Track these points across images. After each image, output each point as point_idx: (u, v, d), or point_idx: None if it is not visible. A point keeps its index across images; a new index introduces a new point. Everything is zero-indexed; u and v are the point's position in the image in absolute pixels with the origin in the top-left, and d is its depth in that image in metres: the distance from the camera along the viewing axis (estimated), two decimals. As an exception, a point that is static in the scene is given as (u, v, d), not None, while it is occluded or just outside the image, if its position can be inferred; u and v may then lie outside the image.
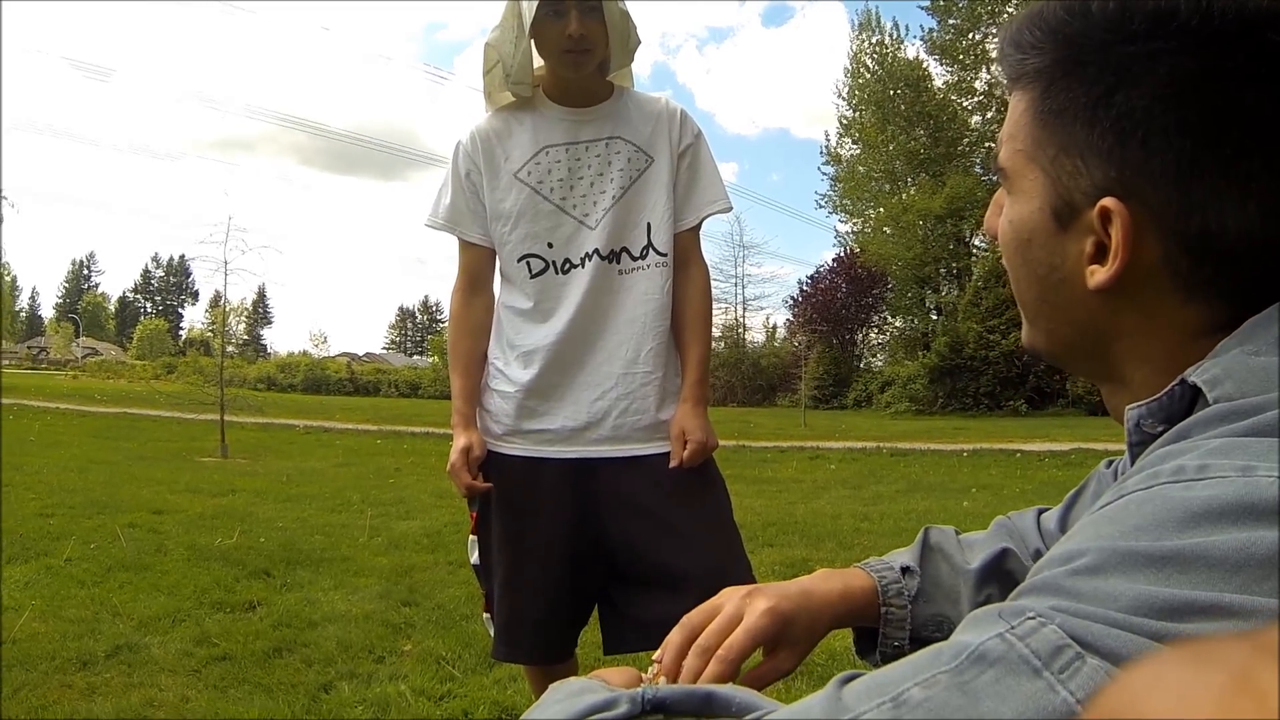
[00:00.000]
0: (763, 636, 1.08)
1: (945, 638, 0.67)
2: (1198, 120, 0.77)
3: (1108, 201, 0.79)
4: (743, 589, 1.13)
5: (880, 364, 45.76)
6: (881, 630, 1.18)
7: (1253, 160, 0.76)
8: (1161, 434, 0.77)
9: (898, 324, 46.58)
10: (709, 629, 1.08)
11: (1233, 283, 0.79)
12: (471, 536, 2.71)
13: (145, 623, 4.75)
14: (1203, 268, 0.79)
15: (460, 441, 2.59)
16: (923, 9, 40.02)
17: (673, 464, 2.53)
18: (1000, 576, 1.19)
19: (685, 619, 1.11)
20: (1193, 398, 0.77)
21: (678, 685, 0.96)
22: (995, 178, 0.95)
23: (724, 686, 0.84)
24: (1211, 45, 0.76)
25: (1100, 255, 0.82)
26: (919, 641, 1.16)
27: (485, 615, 2.72)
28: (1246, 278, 0.79)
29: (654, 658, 1.10)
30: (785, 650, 1.12)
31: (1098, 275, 0.82)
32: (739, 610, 1.09)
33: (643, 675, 1.06)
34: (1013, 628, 0.61)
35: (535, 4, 2.38)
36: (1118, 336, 0.86)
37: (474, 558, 2.71)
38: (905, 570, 1.20)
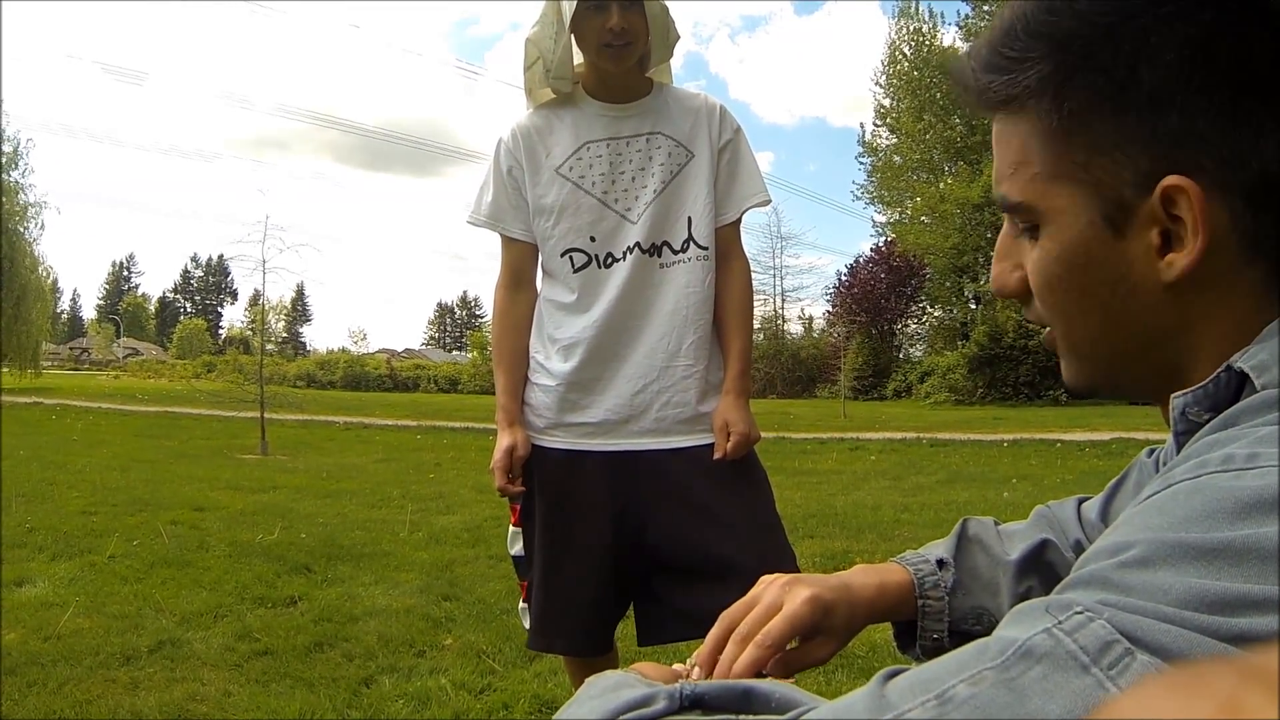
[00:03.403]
0: (802, 624, 1.06)
1: (985, 630, 0.65)
2: (1229, 65, 0.74)
3: (1171, 180, 0.75)
4: (782, 578, 1.11)
5: (919, 354, 45.51)
6: (920, 624, 1.16)
7: None
8: (1208, 422, 0.75)
9: (936, 314, 46.32)
10: (748, 618, 1.07)
11: None
12: (513, 528, 2.72)
13: (187, 618, 4.80)
14: (1267, 216, 0.75)
15: (504, 441, 2.60)
16: (958, -4, 39.84)
17: (716, 456, 2.53)
18: (1040, 568, 1.18)
19: (725, 613, 1.09)
20: (1240, 384, 0.74)
21: (715, 680, 0.94)
22: (1003, 220, 0.90)
23: (763, 682, 0.82)
24: None
25: (1167, 244, 0.78)
26: (958, 634, 1.14)
27: (522, 605, 2.73)
28: None
29: (693, 656, 1.09)
30: (821, 639, 1.10)
31: (1177, 263, 0.77)
32: (778, 598, 1.08)
33: (681, 670, 1.04)
34: (1060, 622, 0.59)
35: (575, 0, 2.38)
36: (1190, 327, 0.80)
37: (515, 549, 2.72)
38: (940, 563, 1.18)
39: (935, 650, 1.14)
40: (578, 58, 2.57)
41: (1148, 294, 0.80)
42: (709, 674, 1.04)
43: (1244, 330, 0.77)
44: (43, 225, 39.29)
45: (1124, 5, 0.75)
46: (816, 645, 1.10)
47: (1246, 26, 0.74)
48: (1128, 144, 0.77)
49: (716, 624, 1.09)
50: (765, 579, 1.13)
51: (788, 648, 1.07)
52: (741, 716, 0.78)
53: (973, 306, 42.92)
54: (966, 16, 39.68)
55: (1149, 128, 0.76)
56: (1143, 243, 0.79)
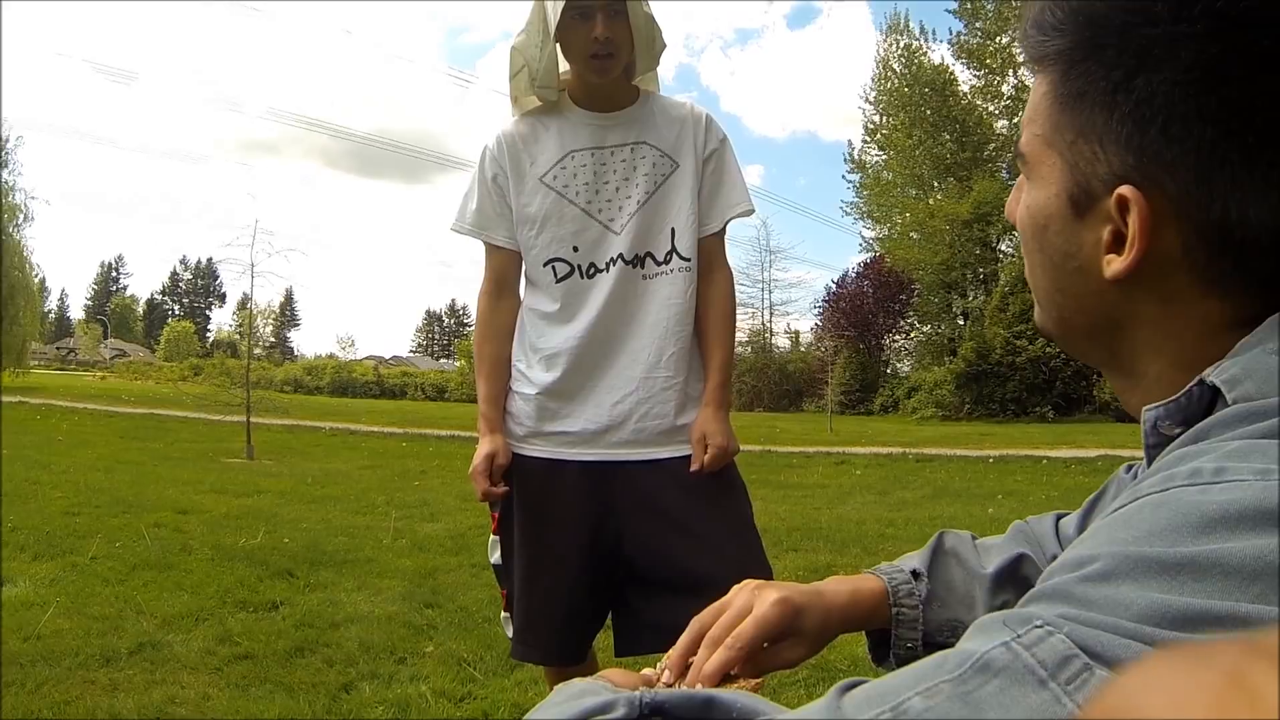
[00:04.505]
0: (772, 626, 1.06)
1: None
2: (1221, 107, 0.74)
3: (1125, 190, 0.77)
4: (753, 583, 1.12)
5: (907, 369, 45.53)
6: (894, 632, 1.16)
7: (1277, 149, 0.74)
8: (1179, 435, 0.75)
9: (924, 329, 46.37)
10: (719, 622, 1.07)
11: (1254, 276, 0.77)
12: (493, 536, 2.71)
13: (168, 621, 4.78)
14: (1223, 259, 0.76)
15: (485, 447, 2.60)
16: (949, 12, 39.96)
17: (693, 468, 2.53)
18: (1016, 582, 1.17)
19: (696, 617, 1.10)
20: (1211, 398, 0.74)
21: (677, 689, 0.94)
22: (1016, 164, 0.94)
23: (726, 691, 0.83)
24: (1237, 29, 0.73)
25: (1118, 244, 0.80)
26: (933, 646, 1.14)
27: (504, 615, 2.73)
28: (1268, 271, 0.76)
29: (663, 661, 1.09)
30: (793, 643, 1.10)
31: (1114, 265, 0.80)
32: (748, 602, 1.08)
33: (651, 675, 1.05)
34: (1019, 636, 0.59)
35: (561, 7, 2.38)
36: (1132, 328, 0.84)
37: (494, 558, 2.72)
38: (915, 574, 1.18)
39: (909, 660, 1.13)
40: (563, 66, 2.57)
41: (1093, 279, 0.83)
42: (678, 677, 1.04)
43: (1190, 355, 0.79)
44: (31, 218, 39.15)
45: (1147, 8, 0.76)
46: (787, 647, 1.10)
47: (1254, 72, 0.73)
48: (1108, 140, 0.79)
49: (688, 628, 1.09)
50: (737, 585, 1.13)
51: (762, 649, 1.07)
52: None
53: (961, 322, 43.06)
54: (959, 33, 39.84)
55: (1129, 133, 0.77)
56: (1096, 233, 0.82)
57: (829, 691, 0.67)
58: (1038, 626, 0.59)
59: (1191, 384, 0.76)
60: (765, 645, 1.08)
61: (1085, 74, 0.80)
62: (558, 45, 2.50)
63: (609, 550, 2.56)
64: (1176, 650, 0.40)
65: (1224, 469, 0.63)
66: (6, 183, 36.75)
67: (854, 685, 0.67)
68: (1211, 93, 0.74)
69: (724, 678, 1.01)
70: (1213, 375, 0.74)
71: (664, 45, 2.60)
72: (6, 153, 36.57)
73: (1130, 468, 1.15)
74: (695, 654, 1.06)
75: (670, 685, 1.01)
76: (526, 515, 2.61)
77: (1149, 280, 0.79)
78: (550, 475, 2.59)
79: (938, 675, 0.60)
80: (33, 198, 38.79)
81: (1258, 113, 0.74)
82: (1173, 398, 0.78)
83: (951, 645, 0.66)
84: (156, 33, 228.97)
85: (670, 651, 1.08)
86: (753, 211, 2.69)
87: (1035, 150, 0.87)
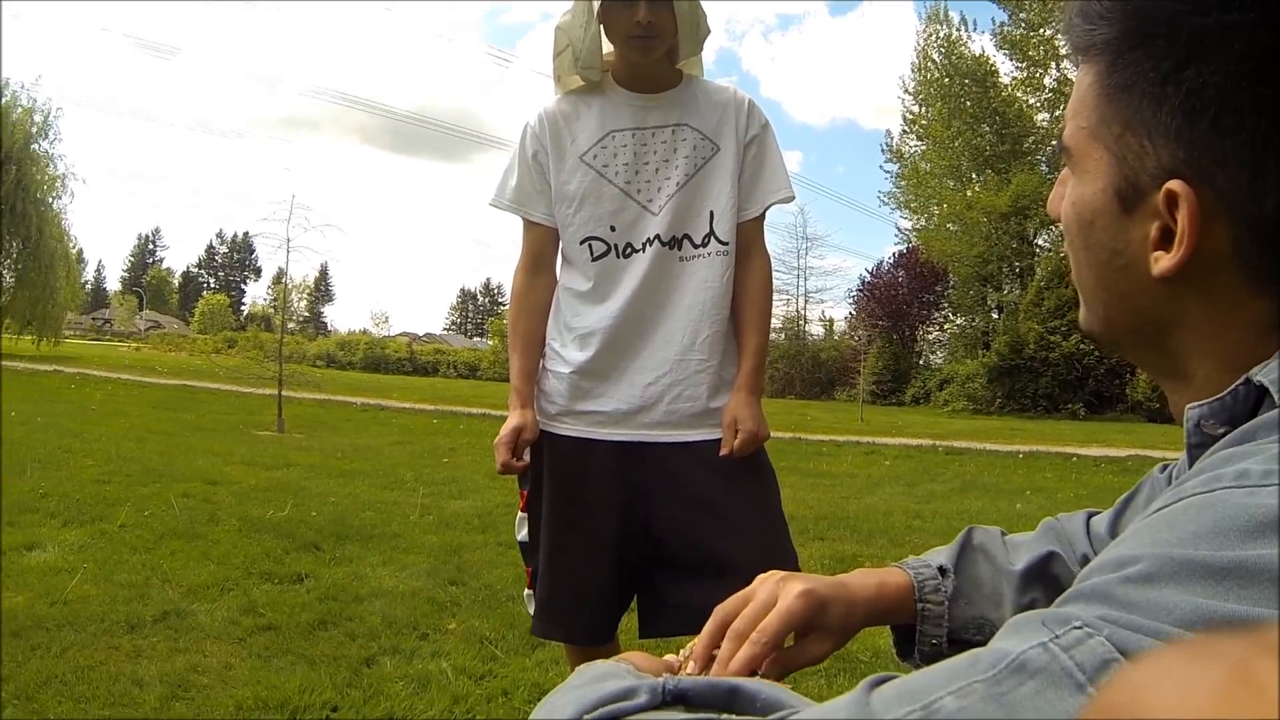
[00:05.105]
0: (796, 619, 1.04)
1: (985, 641, 0.63)
2: (1274, 99, 0.72)
3: (1174, 184, 0.75)
4: (777, 574, 1.10)
5: (939, 361, 45.46)
6: (919, 628, 1.15)
7: None
8: (1223, 436, 0.73)
9: (958, 322, 46.23)
10: (743, 614, 1.05)
11: None
12: (520, 513, 2.72)
13: (194, 590, 4.82)
14: (1274, 256, 0.74)
15: (514, 420, 2.60)
16: (993, 1, 39.63)
17: (723, 452, 2.53)
18: (1045, 580, 1.16)
19: (719, 607, 1.08)
20: (1258, 398, 0.73)
21: (701, 677, 0.93)
22: (1059, 158, 0.91)
23: (751, 681, 0.81)
24: None
25: (1166, 241, 0.77)
26: (959, 644, 1.13)
27: (528, 592, 2.73)
28: None
29: (686, 647, 1.08)
30: (818, 636, 1.08)
31: (1162, 262, 0.77)
32: (773, 595, 1.06)
33: (674, 661, 1.03)
34: (1057, 637, 0.57)
35: None
36: (1180, 327, 0.81)
37: (521, 534, 2.72)
38: (942, 570, 1.17)
39: (934, 657, 1.12)
40: (606, 48, 2.57)
41: (1140, 278, 0.81)
42: (703, 669, 1.03)
43: (1239, 356, 0.76)
44: (72, 194, 39.50)
45: (1199, 0, 0.74)
46: (812, 642, 1.08)
47: None
48: (1157, 134, 0.77)
49: (710, 618, 1.07)
50: (761, 576, 1.12)
51: (785, 646, 1.06)
52: (724, 715, 0.76)
53: (995, 316, 42.86)
54: (1002, 24, 39.50)
55: (1179, 126, 0.75)
56: (1144, 230, 0.80)
57: (858, 686, 0.65)
58: (1077, 628, 0.57)
59: (1238, 383, 0.74)
60: (790, 640, 1.07)
61: (1133, 64, 0.78)
62: (601, 26, 2.50)
63: (638, 531, 2.56)
64: (1183, 644, 0.40)
65: (1273, 471, 0.61)
66: (45, 153, 36.96)
67: (883, 680, 0.65)
68: (1265, 84, 0.72)
69: (749, 673, 1.00)
70: (1259, 375, 0.72)
71: (708, 31, 2.60)
72: (42, 122, 36.74)
73: (1165, 467, 1.14)
74: (719, 646, 1.04)
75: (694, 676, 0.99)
76: (556, 493, 2.61)
77: (1198, 278, 0.77)
78: (581, 454, 2.59)
79: (971, 674, 0.59)
80: (72, 174, 39.03)
81: None
82: (1217, 396, 0.76)
83: (978, 643, 0.65)
84: (199, 8, 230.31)
85: (693, 642, 1.06)
86: (793, 198, 2.68)
87: (1080, 143, 0.85)
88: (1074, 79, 0.87)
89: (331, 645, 4.12)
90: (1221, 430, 0.74)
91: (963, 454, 15.87)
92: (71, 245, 41.16)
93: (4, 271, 35.33)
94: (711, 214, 2.58)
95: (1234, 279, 0.76)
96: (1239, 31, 0.72)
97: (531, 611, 2.70)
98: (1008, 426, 24.93)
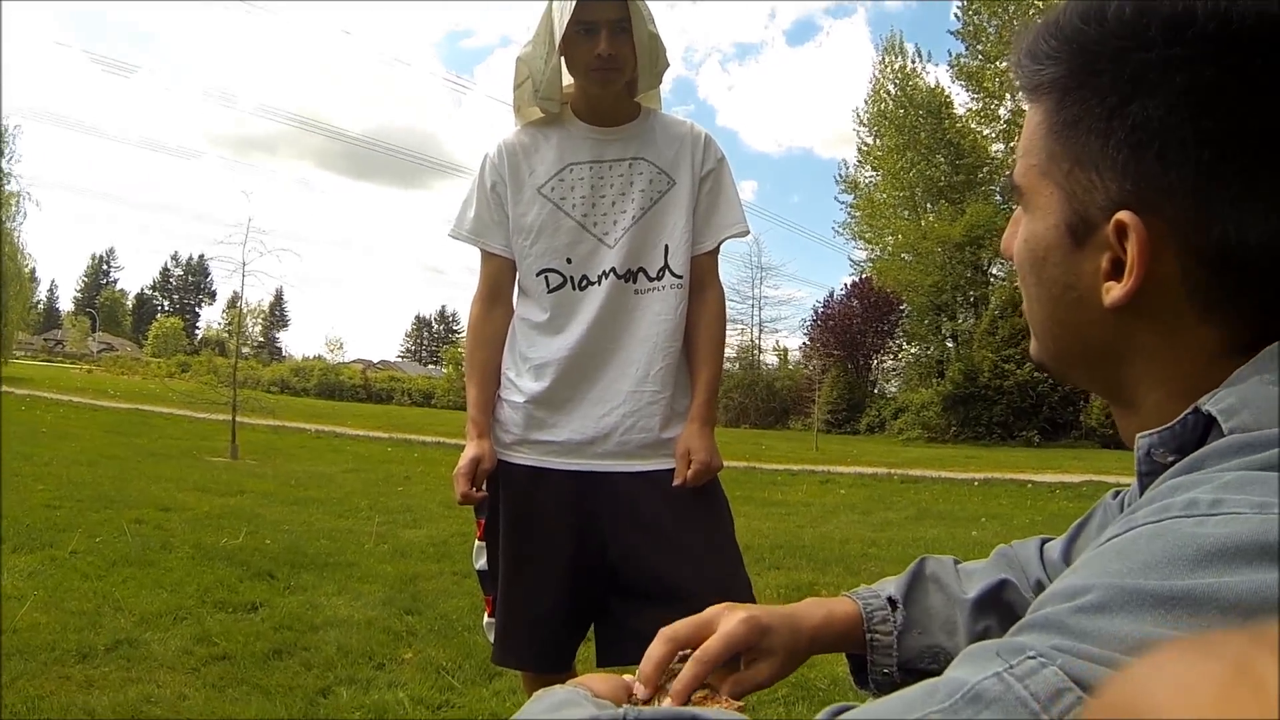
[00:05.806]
0: (738, 642, 1.06)
1: (940, 669, 0.64)
2: (1216, 130, 0.74)
3: (1123, 215, 0.76)
4: (724, 605, 1.12)
5: (894, 390, 45.57)
6: (869, 658, 1.16)
7: (1275, 171, 0.73)
8: (1173, 464, 0.74)
9: (913, 350, 46.39)
10: (688, 637, 1.07)
11: (1253, 300, 0.77)
12: (479, 541, 2.73)
13: (146, 619, 4.76)
14: (1222, 283, 0.76)
15: (471, 451, 2.61)
16: (951, 33, 39.99)
17: (676, 482, 2.55)
18: (999, 607, 1.16)
19: (664, 629, 1.08)
20: (1206, 427, 0.74)
21: (662, 707, 0.94)
22: (1010, 196, 0.93)
23: (712, 710, 0.82)
24: (1230, 52, 0.73)
25: (1117, 272, 0.79)
26: (913, 673, 1.13)
27: (488, 620, 2.74)
28: (1267, 295, 0.76)
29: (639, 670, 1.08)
30: (764, 660, 1.10)
31: (1114, 292, 0.79)
32: (715, 617, 1.08)
33: (631, 681, 1.04)
34: (1011, 667, 0.58)
35: (567, 21, 2.40)
36: (1131, 357, 0.83)
37: (480, 563, 2.73)
38: (891, 601, 1.18)
39: (888, 685, 1.14)
40: (567, 79, 2.59)
41: (1093, 309, 0.82)
42: (654, 691, 1.04)
43: (1189, 384, 0.78)
44: (24, 214, 38.93)
45: (1140, 34, 0.76)
46: (758, 668, 1.10)
47: (1249, 94, 0.73)
48: (1105, 168, 0.78)
49: (657, 639, 1.08)
50: (712, 608, 1.13)
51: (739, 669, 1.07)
52: None
53: (949, 345, 43.07)
54: (959, 55, 39.88)
55: (1126, 160, 0.77)
56: (1095, 262, 0.81)
57: (819, 716, 0.66)
58: (1031, 657, 0.58)
59: (1186, 412, 0.75)
60: (738, 664, 1.08)
61: (1080, 101, 0.80)
62: (562, 59, 2.52)
63: (593, 559, 2.57)
64: (1183, 642, 0.40)
65: (1221, 501, 0.62)
66: (5, 171, 36.55)
67: (844, 710, 0.66)
68: (1208, 116, 0.74)
69: (694, 691, 1.01)
70: (1208, 404, 0.73)
71: (667, 64, 2.63)
72: (5, 141, 36.33)
73: (1117, 494, 1.14)
74: (667, 666, 1.05)
75: (646, 701, 1.00)
76: (510, 522, 2.62)
77: (1148, 307, 0.79)
78: (535, 482, 2.61)
79: (928, 705, 0.59)
80: (28, 194, 38.52)
81: (1255, 134, 0.74)
82: (1167, 425, 0.77)
83: (933, 672, 0.66)
84: (158, 27, 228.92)
85: (642, 665, 1.07)
86: (748, 233, 2.71)
87: (1031, 181, 0.86)
88: (1028, 111, 0.90)
89: (287, 675, 4.07)
90: (1171, 459, 0.75)
91: (918, 482, 15.94)
92: (25, 264, 40.64)
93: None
94: (666, 248, 2.60)
95: (1182, 306, 0.78)
96: (1181, 65, 0.74)
97: (491, 639, 2.70)
98: (963, 454, 25.03)
